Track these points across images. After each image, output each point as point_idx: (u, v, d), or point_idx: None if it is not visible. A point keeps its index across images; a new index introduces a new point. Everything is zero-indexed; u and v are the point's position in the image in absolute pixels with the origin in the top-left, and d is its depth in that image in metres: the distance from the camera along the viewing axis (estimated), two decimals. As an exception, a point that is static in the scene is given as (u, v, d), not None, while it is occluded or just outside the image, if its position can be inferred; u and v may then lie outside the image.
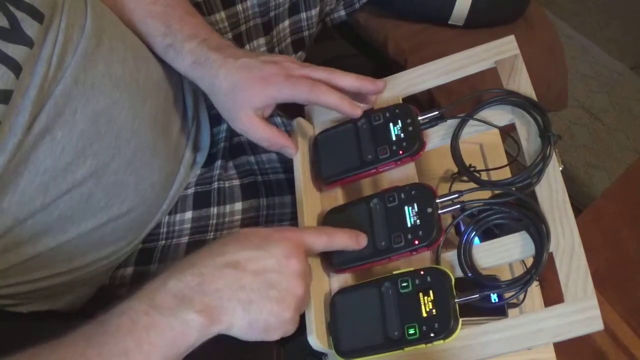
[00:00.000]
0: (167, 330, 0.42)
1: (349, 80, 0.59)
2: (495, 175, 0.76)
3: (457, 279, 0.51)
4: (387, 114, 0.60)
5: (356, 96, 0.61)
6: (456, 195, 0.53)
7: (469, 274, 0.53)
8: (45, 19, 0.48)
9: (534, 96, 0.57)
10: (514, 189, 0.53)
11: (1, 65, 0.44)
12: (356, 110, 0.59)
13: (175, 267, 0.46)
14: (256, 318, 0.45)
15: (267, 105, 0.59)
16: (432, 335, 0.49)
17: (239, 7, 0.75)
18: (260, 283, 0.46)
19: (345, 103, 0.58)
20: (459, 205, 0.53)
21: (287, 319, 0.47)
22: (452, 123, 0.59)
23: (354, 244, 0.54)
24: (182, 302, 0.43)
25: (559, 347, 0.68)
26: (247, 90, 0.58)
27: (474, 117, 0.58)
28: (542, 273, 0.50)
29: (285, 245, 0.48)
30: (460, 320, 0.50)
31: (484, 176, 0.74)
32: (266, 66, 0.59)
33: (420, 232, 0.53)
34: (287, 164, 0.68)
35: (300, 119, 0.65)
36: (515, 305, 0.65)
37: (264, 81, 0.58)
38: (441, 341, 0.49)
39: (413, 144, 0.58)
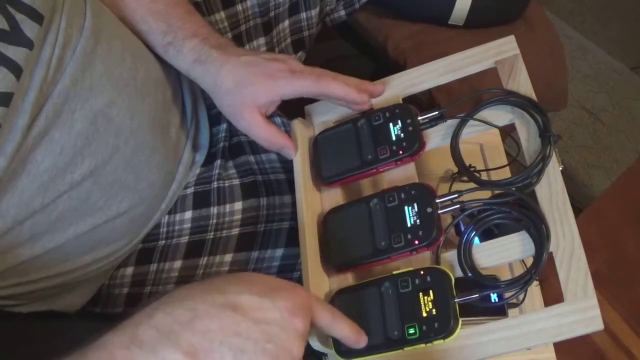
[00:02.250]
0: None
1: (351, 82, 0.60)
2: (495, 175, 0.76)
3: (457, 279, 0.51)
4: (387, 114, 0.60)
5: None
6: (456, 195, 0.53)
7: (469, 274, 0.53)
8: (45, 20, 0.48)
9: (534, 96, 0.57)
10: (513, 189, 0.53)
11: (2, 67, 0.44)
12: (363, 97, 0.59)
13: (166, 299, 0.42)
14: None
15: (272, 102, 0.60)
16: (432, 335, 0.49)
17: (239, 7, 0.75)
18: (259, 333, 0.40)
19: (352, 91, 0.59)
20: (458, 205, 0.53)
21: None
22: (452, 123, 0.59)
23: (354, 341, 0.49)
24: (167, 338, 0.38)
25: (559, 347, 0.68)
26: (253, 86, 0.58)
27: (474, 117, 0.58)
28: (542, 273, 0.50)
29: (293, 301, 0.43)
30: (460, 320, 0.50)
31: (484, 176, 0.74)
32: (271, 63, 0.59)
33: (420, 232, 0.53)
34: (287, 164, 0.68)
35: (300, 119, 0.65)
36: (515, 305, 0.65)
37: (270, 77, 0.58)
38: (441, 341, 0.49)
39: (413, 144, 0.58)
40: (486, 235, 0.56)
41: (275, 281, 0.45)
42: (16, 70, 0.45)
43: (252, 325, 0.40)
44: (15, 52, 0.45)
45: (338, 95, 0.59)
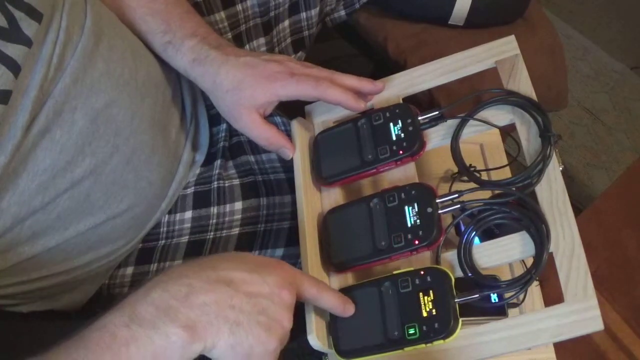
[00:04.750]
0: (148, 344, 0.39)
1: (349, 80, 0.61)
2: (496, 175, 0.76)
3: (457, 279, 0.51)
4: (387, 114, 0.60)
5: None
6: (456, 195, 0.53)
7: (469, 274, 0.53)
8: (44, 18, 0.48)
9: (534, 96, 0.57)
10: (514, 189, 0.53)
11: (0, 65, 0.44)
12: (360, 104, 0.60)
13: (161, 277, 0.43)
14: (241, 342, 0.43)
15: (270, 103, 0.60)
16: (432, 335, 0.49)
17: (239, 7, 0.75)
18: (251, 306, 0.43)
19: (349, 97, 0.59)
20: (459, 205, 0.53)
21: (271, 349, 0.44)
22: (452, 123, 0.59)
23: (340, 310, 0.52)
24: (166, 314, 0.40)
25: (559, 347, 0.68)
26: (252, 87, 0.58)
27: (474, 117, 0.58)
28: (542, 273, 0.50)
29: (280, 276, 0.46)
30: (460, 320, 0.50)
31: (484, 176, 0.74)
32: (270, 64, 0.59)
33: (421, 232, 0.53)
34: (287, 164, 0.68)
35: (300, 119, 0.65)
36: (515, 305, 0.65)
37: (268, 79, 0.58)
38: (441, 341, 0.49)
39: (413, 144, 0.58)
40: (486, 235, 0.56)
41: (263, 259, 0.48)
42: (15, 68, 0.45)
43: (244, 298, 0.43)
44: (13, 50, 0.45)
45: (335, 102, 0.59)
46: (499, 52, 0.60)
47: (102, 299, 0.66)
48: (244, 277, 0.44)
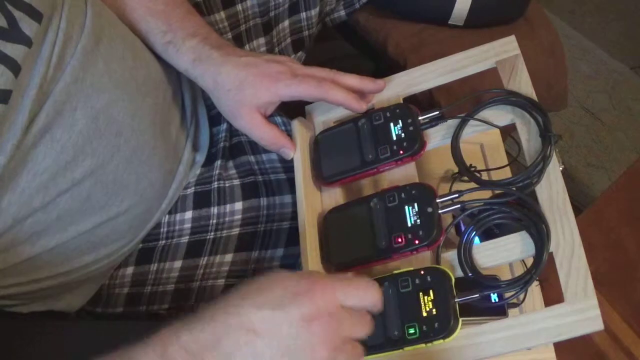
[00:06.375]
0: None
1: (351, 80, 0.61)
2: (496, 175, 0.76)
3: (457, 279, 0.51)
4: (388, 114, 0.60)
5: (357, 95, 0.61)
6: (456, 195, 0.53)
7: (469, 274, 0.53)
8: (44, 18, 0.48)
9: (534, 96, 0.57)
10: (514, 188, 0.53)
11: (0, 65, 0.44)
12: (362, 105, 0.60)
13: (191, 318, 0.43)
14: None
15: (271, 103, 0.60)
16: (432, 335, 0.49)
17: (239, 7, 0.75)
18: (274, 349, 0.42)
19: (351, 98, 0.59)
20: (459, 205, 0.53)
21: None
22: (452, 123, 0.59)
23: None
24: (194, 359, 0.41)
25: (559, 347, 0.68)
26: (254, 87, 0.58)
27: (475, 117, 0.58)
28: (542, 273, 0.50)
29: (309, 306, 0.42)
30: (460, 320, 0.50)
31: (484, 176, 0.74)
32: (271, 65, 0.59)
33: (421, 232, 0.53)
34: (287, 164, 0.68)
35: (300, 119, 0.65)
36: (515, 305, 0.65)
37: (271, 78, 0.58)
38: (441, 341, 0.49)
39: (414, 144, 0.58)
40: (486, 235, 0.56)
41: (295, 285, 0.44)
42: (15, 67, 0.45)
43: (267, 342, 0.41)
44: (13, 50, 0.45)
45: (337, 102, 0.60)
46: (499, 52, 0.60)
47: (102, 299, 0.66)
48: (264, 317, 0.42)
